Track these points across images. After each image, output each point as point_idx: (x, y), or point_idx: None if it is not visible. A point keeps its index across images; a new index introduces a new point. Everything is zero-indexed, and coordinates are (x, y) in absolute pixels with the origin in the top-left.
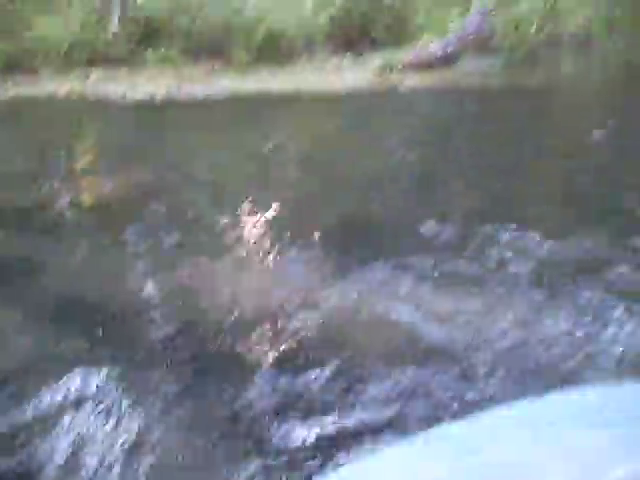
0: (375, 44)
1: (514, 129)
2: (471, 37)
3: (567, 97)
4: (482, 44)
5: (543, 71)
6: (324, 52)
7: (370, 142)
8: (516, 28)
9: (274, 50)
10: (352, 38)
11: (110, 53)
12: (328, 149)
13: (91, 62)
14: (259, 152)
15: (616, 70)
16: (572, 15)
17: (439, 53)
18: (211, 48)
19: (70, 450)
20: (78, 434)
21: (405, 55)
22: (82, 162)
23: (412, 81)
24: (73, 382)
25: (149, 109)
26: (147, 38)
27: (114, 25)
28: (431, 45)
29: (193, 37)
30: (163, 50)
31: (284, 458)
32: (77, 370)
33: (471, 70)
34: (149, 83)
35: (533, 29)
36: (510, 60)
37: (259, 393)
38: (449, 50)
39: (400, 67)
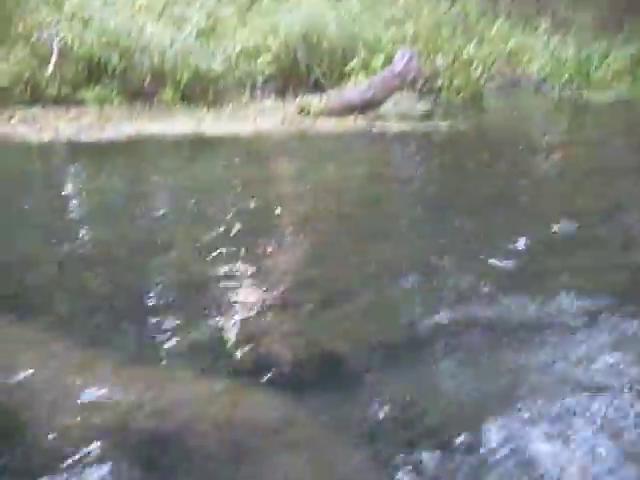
0: (315, 86)
1: (414, 173)
2: (396, 81)
3: (489, 140)
4: (411, 86)
5: (484, 114)
6: (261, 93)
7: (240, 186)
8: (461, 71)
9: (205, 92)
10: (291, 80)
11: (47, 93)
12: (186, 193)
13: (28, 101)
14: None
15: (556, 114)
16: (524, 58)
17: (359, 97)
18: (143, 89)
19: None
20: None
21: (327, 98)
22: None
23: (326, 124)
24: None
25: (41, 152)
26: (84, 78)
27: (52, 64)
28: (352, 89)
29: (127, 78)
30: (97, 90)
31: None
32: None
33: (395, 113)
34: (68, 124)
35: (479, 72)
36: (449, 103)
37: None
38: (370, 94)
39: (317, 111)
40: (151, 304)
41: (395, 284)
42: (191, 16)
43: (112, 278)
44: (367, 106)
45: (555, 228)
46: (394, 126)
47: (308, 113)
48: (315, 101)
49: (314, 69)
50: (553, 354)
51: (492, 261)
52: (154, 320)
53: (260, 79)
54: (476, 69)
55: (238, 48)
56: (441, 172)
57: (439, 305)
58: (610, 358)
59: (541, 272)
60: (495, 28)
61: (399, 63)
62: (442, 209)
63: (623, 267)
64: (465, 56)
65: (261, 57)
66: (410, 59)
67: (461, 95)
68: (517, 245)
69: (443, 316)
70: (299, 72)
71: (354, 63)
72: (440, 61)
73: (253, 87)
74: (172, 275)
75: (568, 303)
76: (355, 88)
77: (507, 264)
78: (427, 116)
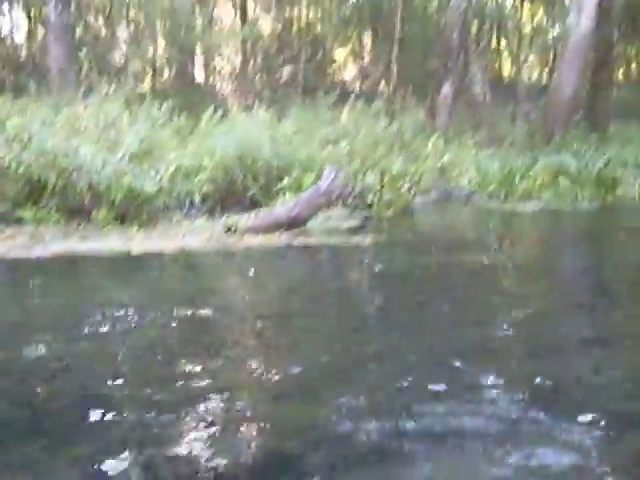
0: (252, 204)
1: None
2: (321, 198)
3: (413, 250)
4: (343, 203)
5: (413, 226)
6: (196, 212)
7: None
8: (392, 186)
9: (138, 211)
10: (227, 199)
11: None
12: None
13: None
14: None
15: (478, 223)
16: (456, 171)
17: (286, 215)
18: (81, 208)
19: None
20: None
21: (254, 217)
22: None
23: (251, 241)
24: None
25: None
26: (24, 196)
27: None
28: (279, 207)
29: (65, 197)
30: (35, 209)
31: None
32: None
33: (323, 228)
34: (1, 243)
35: (410, 186)
36: (379, 218)
37: None
38: (296, 211)
39: (244, 229)
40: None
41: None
42: (126, 139)
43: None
44: (293, 223)
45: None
46: (318, 241)
47: (235, 231)
48: (242, 220)
49: (250, 188)
50: None
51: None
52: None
53: (197, 198)
54: (407, 184)
55: (172, 169)
56: (358, 284)
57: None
58: None
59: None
60: (431, 144)
61: (324, 182)
62: (361, 320)
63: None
64: (396, 172)
65: (197, 177)
66: (335, 177)
67: (391, 209)
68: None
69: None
70: (235, 191)
71: (285, 182)
72: (371, 177)
73: (188, 206)
74: (120, 394)
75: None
76: (282, 206)
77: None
78: (354, 231)
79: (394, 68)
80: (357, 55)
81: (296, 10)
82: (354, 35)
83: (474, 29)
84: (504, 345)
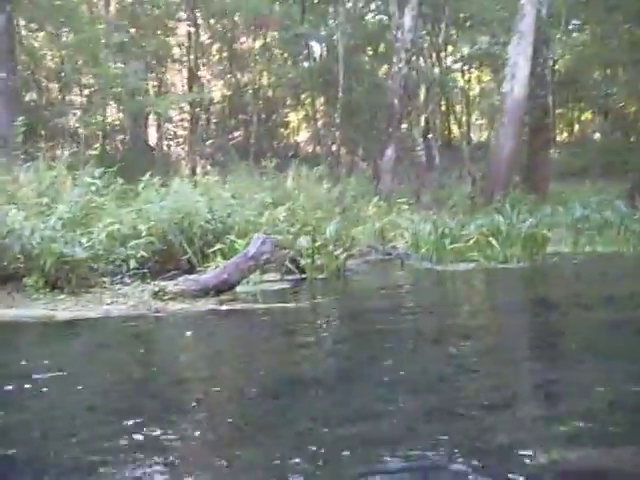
0: (189, 269)
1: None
2: (250, 263)
3: (341, 310)
4: (272, 267)
5: (344, 287)
6: (129, 277)
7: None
8: (327, 249)
9: (69, 277)
10: (163, 264)
11: None
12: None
13: None
14: None
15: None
16: (394, 233)
17: (214, 280)
18: (14, 274)
19: None
20: None
21: (183, 282)
22: None
23: (177, 306)
24: None
25: None
26: None
27: None
28: (208, 272)
29: None
30: None
31: None
32: None
33: (252, 292)
34: None
35: (346, 249)
36: (313, 281)
37: None
38: (224, 276)
39: (172, 294)
40: None
41: None
42: (58, 206)
43: None
44: (221, 288)
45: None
46: (245, 306)
47: (163, 296)
48: (169, 285)
49: (186, 253)
50: None
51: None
52: None
53: (132, 263)
54: (341, 247)
55: (104, 234)
56: (275, 349)
57: None
58: None
59: None
60: (371, 207)
61: (253, 246)
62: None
63: None
64: (330, 235)
65: (132, 242)
66: (263, 243)
67: (324, 273)
68: None
69: None
70: (173, 255)
71: (218, 246)
72: (304, 241)
73: (124, 271)
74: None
75: None
76: (211, 271)
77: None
78: (283, 295)
79: (336, 133)
80: (310, 118)
81: (249, 75)
82: (308, 99)
83: (423, 93)
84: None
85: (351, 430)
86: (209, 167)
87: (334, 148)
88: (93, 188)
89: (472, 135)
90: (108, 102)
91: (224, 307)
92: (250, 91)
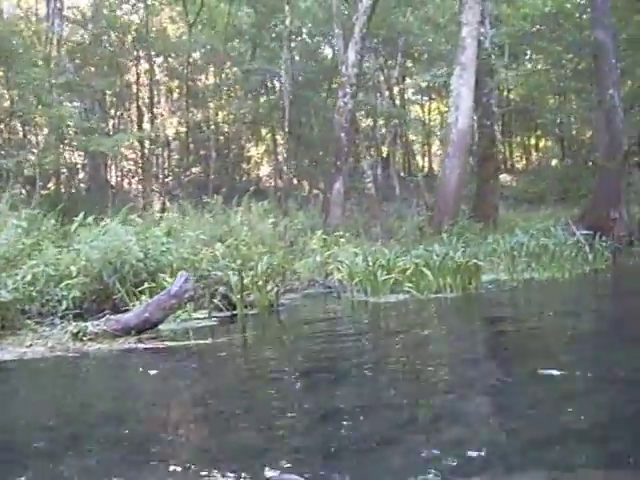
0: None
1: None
2: (172, 301)
3: (265, 341)
4: (202, 304)
5: (277, 322)
6: (59, 319)
7: None
8: (260, 284)
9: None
10: (99, 302)
11: None
12: None
13: None
14: None
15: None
16: (332, 267)
17: (135, 319)
18: None
19: None
20: None
21: (105, 322)
22: None
23: (96, 347)
24: None
25: None
26: None
27: None
28: (131, 311)
29: None
30: None
31: None
32: None
33: (176, 330)
34: None
35: (278, 283)
36: (244, 317)
37: None
38: (146, 315)
39: (93, 334)
40: None
41: None
42: None
43: None
44: (143, 327)
45: None
46: (168, 344)
47: (83, 337)
48: (90, 325)
49: (118, 292)
50: None
51: None
52: None
53: (63, 304)
54: (275, 280)
55: (29, 276)
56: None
57: None
58: None
59: None
60: (315, 240)
61: (175, 285)
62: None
63: None
64: (261, 270)
65: (62, 283)
66: (186, 281)
67: (256, 308)
68: None
69: None
70: (107, 296)
71: (146, 286)
72: (234, 278)
73: (56, 312)
74: None
75: None
76: (132, 311)
77: None
78: (206, 332)
79: (283, 167)
80: (271, 153)
81: (205, 112)
82: (268, 134)
83: (381, 125)
84: None
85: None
86: (168, 204)
87: (288, 182)
88: (19, 230)
89: (434, 165)
90: (58, 142)
91: (141, 346)
92: (210, 127)
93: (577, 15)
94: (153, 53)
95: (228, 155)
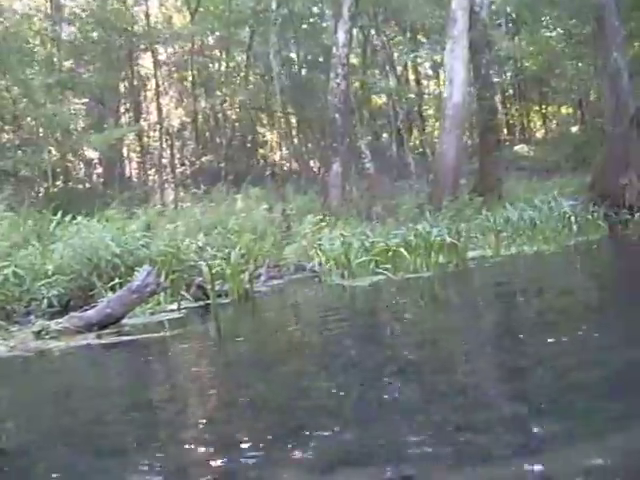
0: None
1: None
2: (134, 296)
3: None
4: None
5: (252, 308)
6: (42, 315)
7: None
8: (235, 272)
9: None
10: (79, 298)
11: None
12: None
13: None
14: None
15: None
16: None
17: (97, 315)
18: None
19: None
20: None
21: (67, 319)
22: None
23: (57, 344)
24: None
25: None
26: None
27: None
28: (93, 308)
29: None
30: None
31: None
32: None
33: (143, 324)
34: None
35: (253, 270)
36: (219, 305)
37: None
38: (108, 311)
39: (55, 332)
40: None
41: None
42: None
43: None
44: (106, 322)
45: None
46: (130, 338)
47: (45, 335)
48: (52, 323)
49: (97, 288)
50: None
51: None
52: None
53: (45, 302)
54: (250, 267)
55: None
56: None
57: None
58: None
59: None
60: (306, 224)
61: (137, 280)
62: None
63: None
64: (234, 260)
65: (40, 282)
66: (148, 275)
67: (230, 297)
68: None
69: None
70: (80, 291)
71: (117, 281)
72: (213, 269)
73: (34, 309)
74: None
75: None
76: (93, 307)
77: None
78: (184, 324)
79: (284, 150)
80: (285, 137)
81: (213, 100)
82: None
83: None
84: None
85: None
86: (182, 194)
87: (304, 164)
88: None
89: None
90: (64, 140)
91: (102, 341)
92: (217, 114)
93: None
94: (158, 43)
95: (244, 141)
